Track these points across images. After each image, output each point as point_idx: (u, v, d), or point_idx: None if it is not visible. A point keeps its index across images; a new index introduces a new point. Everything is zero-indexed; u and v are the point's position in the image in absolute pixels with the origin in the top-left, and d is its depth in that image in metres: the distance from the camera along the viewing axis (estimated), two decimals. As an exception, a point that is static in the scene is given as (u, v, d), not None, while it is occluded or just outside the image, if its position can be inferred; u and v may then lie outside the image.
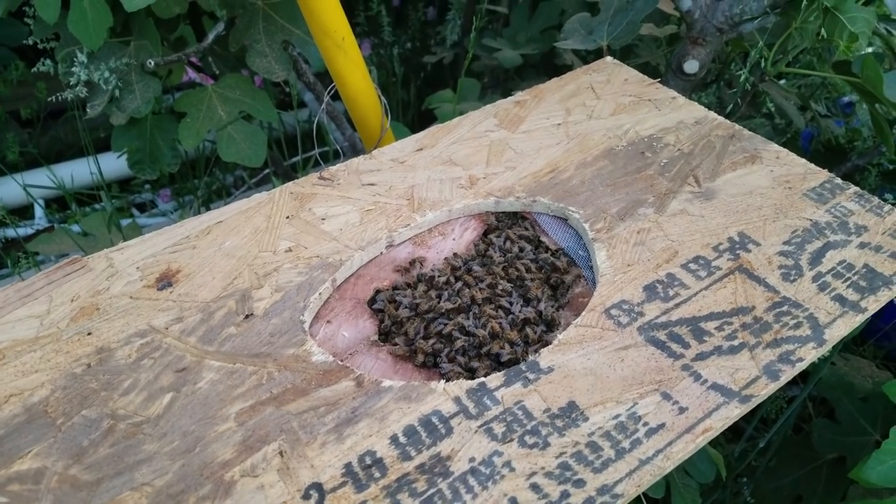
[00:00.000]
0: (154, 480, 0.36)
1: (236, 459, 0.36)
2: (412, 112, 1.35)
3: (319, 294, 0.46)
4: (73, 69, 0.78)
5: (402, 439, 0.38)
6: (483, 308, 0.46)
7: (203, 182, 1.19)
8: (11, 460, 0.36)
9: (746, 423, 0.91)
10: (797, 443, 0.84)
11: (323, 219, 0.52)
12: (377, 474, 0.36)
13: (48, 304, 0.45)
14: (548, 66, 1.14)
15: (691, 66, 0.76)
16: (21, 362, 0.41)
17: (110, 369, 0.41)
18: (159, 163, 0.90)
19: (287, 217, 0.51)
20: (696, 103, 0.60)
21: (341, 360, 0.42)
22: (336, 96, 0.80)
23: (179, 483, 0.35)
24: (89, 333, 0.43)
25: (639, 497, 0.76)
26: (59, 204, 1.24)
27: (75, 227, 1.01)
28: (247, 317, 0.44)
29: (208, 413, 0.39)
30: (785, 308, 0.44)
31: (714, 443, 0.82)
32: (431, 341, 0.44)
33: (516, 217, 0.54)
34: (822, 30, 0.67)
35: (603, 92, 0.62)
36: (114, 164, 1.20)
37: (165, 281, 0.46)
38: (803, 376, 0.95)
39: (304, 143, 1.24)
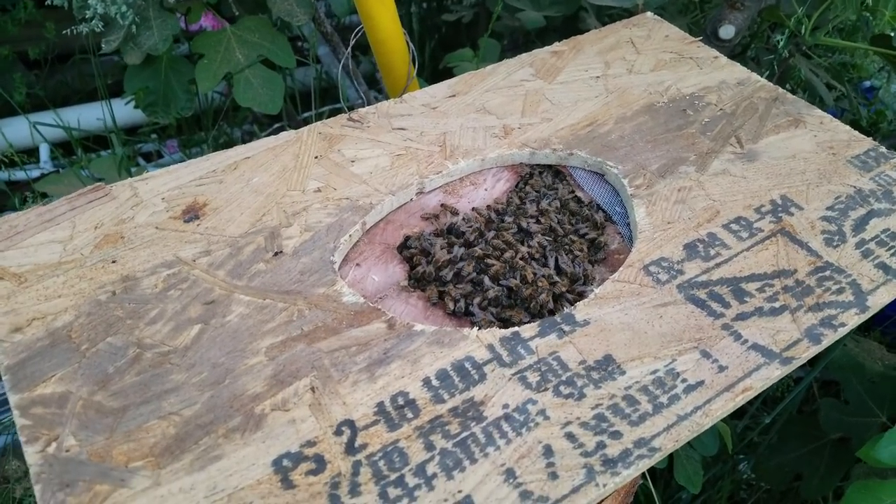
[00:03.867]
0: (182, 410, 0.35)
1: (267, 393, 0.35)
2: (426, 73, 1.31)
3: (349, 236, 0.45)
4: (90, 2, 0.75)
5: (435, 382, 0.37)
6: (516, 259, 0.45)
7: (210, 136, 1.17)
8: (35, 383, 0.35)
9: (749, 402, 0.91)
10: (801, 422, 0.84)
11: (352, 161, 0.50)
12: (410, 415, 0.35)
13: (71, 229, 0.43)
14: (569, 30, 1.11)
15: (727, 32, 0.74)
16: (43, 286, 0.40)
17: (136, 298, 0.40)
18: (173, 106, 0.88)
19: (315, 157, 0.50)
20: (738, 64, 0.58)
21: (372, 303, 0.41)
22: (358, 46, 0.77)
23: (208, 413, 0.35)
24: (114, 261, 0.41)
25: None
26: (64, 149, 1.21)
27: (82, 173, 0.99)
28: (276, 254, 0.43)
29: (238, 346, 0.38)
30: (827, 273, 0.43)
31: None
32: (462, 287, 0.43)
33: (550, 169, 0.52)
34: (870, -2, 0.65)
35: (643, 47, 0.60)
36: (121, 111, 1.17)
37: (192, 213, 0.45)
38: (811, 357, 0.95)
39: (318, 99, 1.21)
